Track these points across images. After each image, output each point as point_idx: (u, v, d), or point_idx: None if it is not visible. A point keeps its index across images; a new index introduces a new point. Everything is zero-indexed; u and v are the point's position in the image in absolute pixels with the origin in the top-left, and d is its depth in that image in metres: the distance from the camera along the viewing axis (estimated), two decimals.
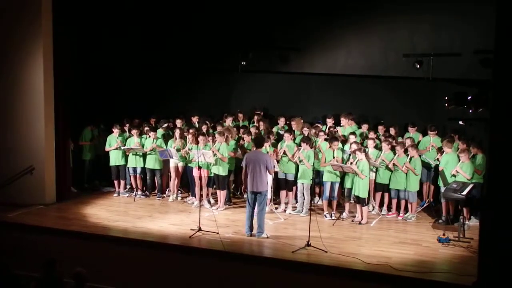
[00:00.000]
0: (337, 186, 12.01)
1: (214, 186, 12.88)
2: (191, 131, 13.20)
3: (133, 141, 13.44)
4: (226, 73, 15.45)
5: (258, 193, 10.57)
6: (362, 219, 11.60)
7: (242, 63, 13.97)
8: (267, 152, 11.74)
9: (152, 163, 13.47)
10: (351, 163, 11.52)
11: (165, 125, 14.13)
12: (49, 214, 12.21)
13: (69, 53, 13.38)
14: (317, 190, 13.06)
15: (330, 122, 13.78)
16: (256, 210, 10.61)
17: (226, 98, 15.89)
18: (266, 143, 12.08)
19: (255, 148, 10.97)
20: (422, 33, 12.79)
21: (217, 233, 10.46)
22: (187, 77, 15.74)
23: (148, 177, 13.73)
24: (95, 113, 14.92)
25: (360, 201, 11.55)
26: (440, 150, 12.21)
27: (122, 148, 13.58)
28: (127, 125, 14.09)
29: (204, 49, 14.34)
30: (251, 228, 10.67)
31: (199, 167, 11.73)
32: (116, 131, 13.70)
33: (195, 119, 14.71)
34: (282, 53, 13.89)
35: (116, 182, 13.96)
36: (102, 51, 14.85)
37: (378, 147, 12.34)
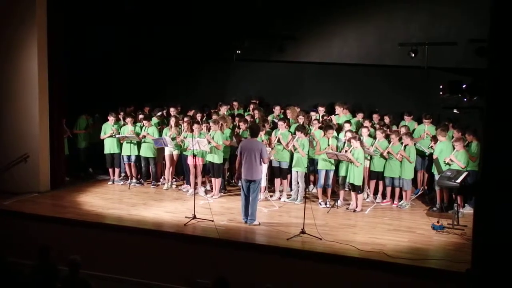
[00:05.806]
0: (331, 174, 12.03)
1: (210, 174, 12.86)
2: (186, 119, 13.19)
3: (127, 129, 13.42)
4: (221, 61, 15.41)
5: (252, 181, 10.58)
6: (356, 207, 11.63)
7: (238, 51, 13.95)
8: (262, 141, 11.76)
9: (146, 151, 13.45)
10: (346, 151, 11.53)
11: (159, 113, 14.11)
12: (44, 202, 12.19)
13: (64, 41, 13.28)
14: (311, 178, 13.08)
15: (321, 110, 13.77)
16: (250, 198, 10.64)
17: (222, 86, 15.87)
18: (261, 131, 12.10)
19: (250, 137, 10.96)
20: (417, 22, 12.81)
21: (212, 220, 10.44)
22: (182, 65, 15.71)
23: (142, 165, 13.72)
24: (90, 101, 14.88)
25: (355, 188, 11.57)
26: (434, 138, 12.21)
27: (117, 136, 13.55)
28: (122, 113, 14.05)
29: (199, 37, 14.35)
30: (247, 214, 10.70)
31: (194, 155, 11.71)
32: (111, 119, 13.64)
33: (191, 113, 14.68)
34: (277, 42, 13.88)
35: (110, 170, 13.93)
36: (98, 40, 14.80)
37: (372, 136, 12.36)
